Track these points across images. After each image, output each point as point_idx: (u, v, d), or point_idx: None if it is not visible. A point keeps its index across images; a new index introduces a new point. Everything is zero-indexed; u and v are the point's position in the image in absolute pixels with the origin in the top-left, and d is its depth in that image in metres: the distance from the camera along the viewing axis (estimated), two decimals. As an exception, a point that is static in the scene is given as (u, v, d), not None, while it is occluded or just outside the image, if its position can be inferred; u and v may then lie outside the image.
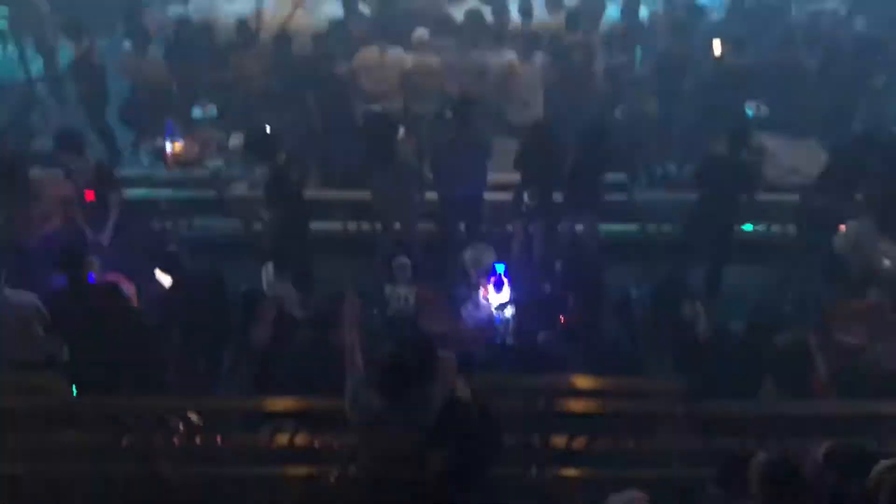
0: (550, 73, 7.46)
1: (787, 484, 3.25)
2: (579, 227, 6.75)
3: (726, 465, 3.48)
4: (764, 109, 7.31)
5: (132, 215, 6.27)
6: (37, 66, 9.35)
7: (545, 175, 6.36)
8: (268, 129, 6.50)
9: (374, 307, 5.49)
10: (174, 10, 8.82)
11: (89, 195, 5.92)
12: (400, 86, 7.50)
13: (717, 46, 7.52)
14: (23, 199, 5.74)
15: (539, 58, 7.51)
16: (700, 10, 8.24)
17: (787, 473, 3.27)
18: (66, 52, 8.41)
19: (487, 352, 5.26)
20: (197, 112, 7.40)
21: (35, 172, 5.90)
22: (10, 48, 9.60)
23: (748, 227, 7.05)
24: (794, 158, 7.16)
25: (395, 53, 7.54)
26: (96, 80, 7.61)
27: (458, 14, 8.14)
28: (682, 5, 8.46)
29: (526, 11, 8.13)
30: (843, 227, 5.69)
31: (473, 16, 7.86)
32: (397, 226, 6.61)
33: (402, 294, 5.58)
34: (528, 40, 7.57)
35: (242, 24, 7.72)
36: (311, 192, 6.54)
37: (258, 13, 8.54)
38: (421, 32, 7.61)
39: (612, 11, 8.51)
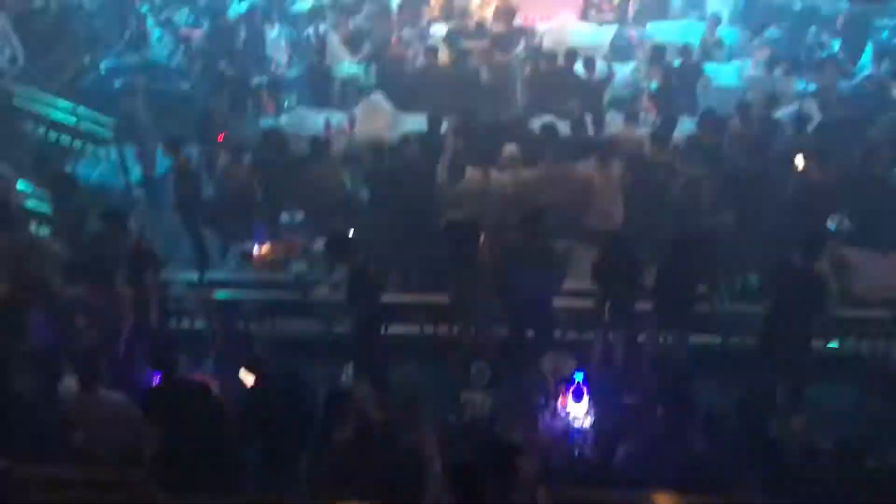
0: (629, 182, 7.57)
1: None
2: (664, 338, 6.68)
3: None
4: (847, 223, 7.23)
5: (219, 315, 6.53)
6: (136, 172, 9.93)
7: (624, 285, 6.38)
8: (350, 233, 6.77)
9: (451, 413, 5.51)
10: (265, 122, 9.33)
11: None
12: (489, 199, 7.65)
13: (799, 161, 7.52)
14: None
15: (617, 167, 7.64)
16: (775, 124, 8.31)
17: None
18: (163, 159, 8.96)
19: (565, 462, 5.19)
20: (285, 217, 7.71)
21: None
22: (113, 155, 10.23)
23: (833, 344, 6.86)
24: (883, 272, 7.02)
25: (497, 175, 7.71)
26: (191, 187, 8.03)
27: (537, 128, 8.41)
28: (758, 119, 8.54)
29: (599, 122, 8.37)
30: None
31: (548, 130, 8.11)
32: (474, 331, 6.68)
33: (478, 400, 5.59)
34: (608, 150, 7.72)
35: (317, 139, 8.13)
36: (390, 296, 6.69)
37: (341, 127, 9.02)
38: (510, 149, 7.83)
39: (689, 125, 8.65)
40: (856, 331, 6.87)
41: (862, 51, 9.82)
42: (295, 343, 6.96)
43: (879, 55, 9.55)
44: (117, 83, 10.49)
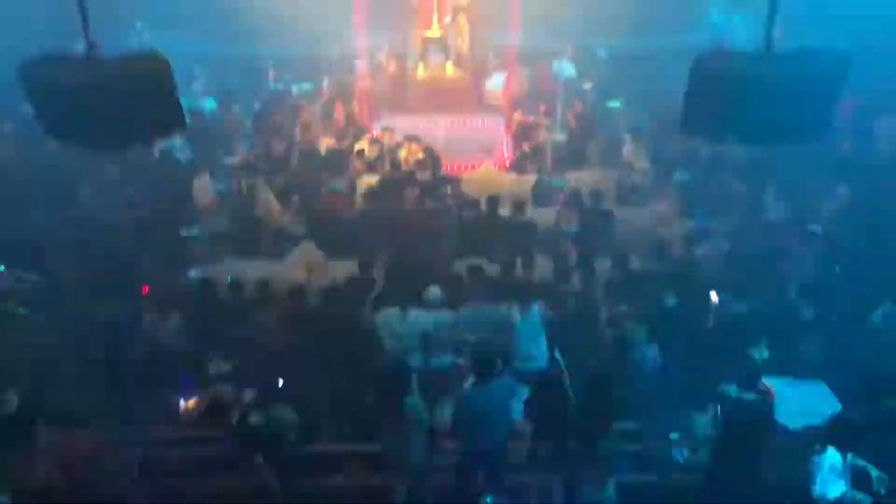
0: (550, 323, 7.77)
1: None
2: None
3: None
4: (765, 353, 7.50)
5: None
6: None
7: (555, 423, 6.42)
8: (279, 383, 6.71)
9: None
10: (195, 273, 9.34)
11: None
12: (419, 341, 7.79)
13: (713, 296, 7.87)
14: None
15: (538, 307, 7.85)
16: (695, 264, 8.72)
17: None
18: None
19: None
20: (212, 369, 7.60)
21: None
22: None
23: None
24: (803, 401, 7.23)
25: (415, 312, 7.91)
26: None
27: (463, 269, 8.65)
28: (677, 257, 8.97)
29: (527, 264, 8.67)
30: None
31: (475, 271, 8.34)
32: (409, 479, 6.56)
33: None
34: (528, 292, 7.95)
35: (248, 288, 8.20)
36: (321, 446, 6.58)
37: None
38: (433, 290, 8.03)
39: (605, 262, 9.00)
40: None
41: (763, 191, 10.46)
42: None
43: (784, 196, 10.24)
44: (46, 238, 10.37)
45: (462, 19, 14.80)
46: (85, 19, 5.04)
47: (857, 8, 12.72)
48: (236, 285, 8.48)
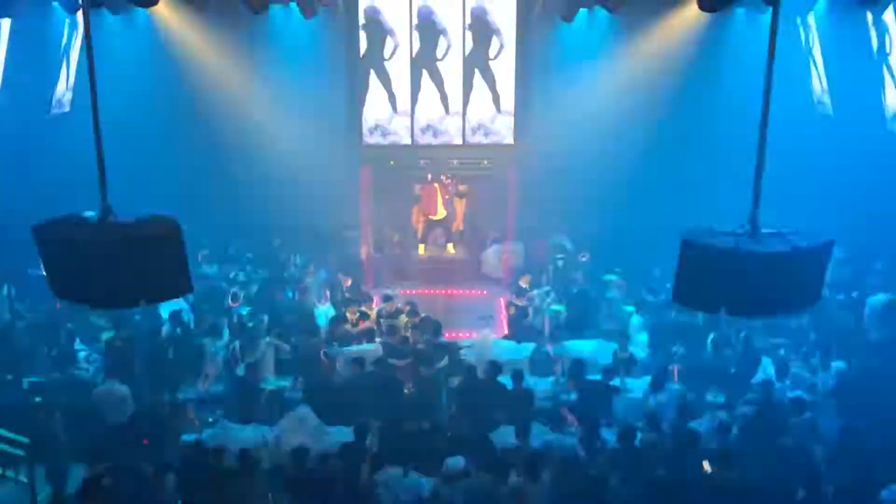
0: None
1: None
2: None
3: None
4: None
5: None
6: (45, 492, 9.41)
7: None
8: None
9: None
10: (186, 438, 9.23)
11: None
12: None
13: (706, 465, 7.99)
14: None
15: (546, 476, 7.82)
16: (692, 435, 8.61)
17: None
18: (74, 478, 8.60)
19: None
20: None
21: None
22: (22, 475, 9.71)
23: None
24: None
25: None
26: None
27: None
28: (673, 431, 8.88)
29: (525, 432, 8.68)
30: None
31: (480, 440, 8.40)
32: None
33: None
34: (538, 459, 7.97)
35: (243, 453, 8.18)
36: None
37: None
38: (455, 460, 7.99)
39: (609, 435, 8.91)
40: None
41: (758, 366, 10.51)
42: None
43: (780, 371, 10.31)
44: (38, 399, 10.32)
45: (461, 205, 15.93)
46: (103, 182, 5.30)
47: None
48: (229, 452, 8.34)
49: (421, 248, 15.96)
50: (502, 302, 14.24)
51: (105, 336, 11.90)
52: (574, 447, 8.66)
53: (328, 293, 13.36)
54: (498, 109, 15.49)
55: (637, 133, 14.95)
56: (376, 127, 15.68)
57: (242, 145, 15.48)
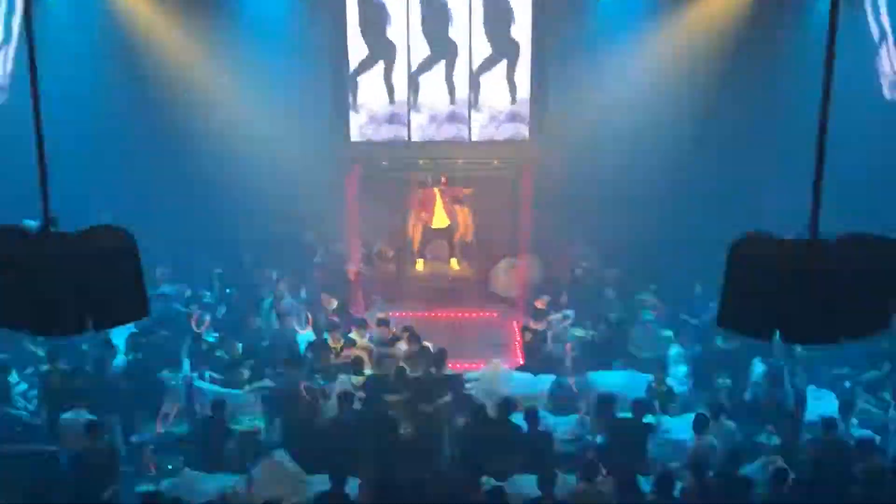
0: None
1: None
2: None
3: None
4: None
5: None
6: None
7: None
8: None
9: None
10: (142, 488, 9.18)
11: None
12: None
13: None
14: None
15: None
16: (745, 482, 8.58)
17: None
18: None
19: None
20: None
21: None
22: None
23: None
24: None
25: None
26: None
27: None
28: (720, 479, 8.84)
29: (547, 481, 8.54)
30: None
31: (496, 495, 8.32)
32: None
33: None
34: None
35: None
36: None
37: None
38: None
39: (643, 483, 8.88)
40: None
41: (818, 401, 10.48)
42: None
43: (844, 408, 10.22)
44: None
45: (466, 213, 15.69)
46: (45, 188, 5.26)
47: None
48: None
49: (419, 264, 15.79)
50: (515, 326, 14.20)
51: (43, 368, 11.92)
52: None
53: (310, 316, 13.35)
54: (512, 100, 15.32)
55: (676, 127, 14.86)
56: (367, 120, 15.54)
57: (209, 144, 15.36)
